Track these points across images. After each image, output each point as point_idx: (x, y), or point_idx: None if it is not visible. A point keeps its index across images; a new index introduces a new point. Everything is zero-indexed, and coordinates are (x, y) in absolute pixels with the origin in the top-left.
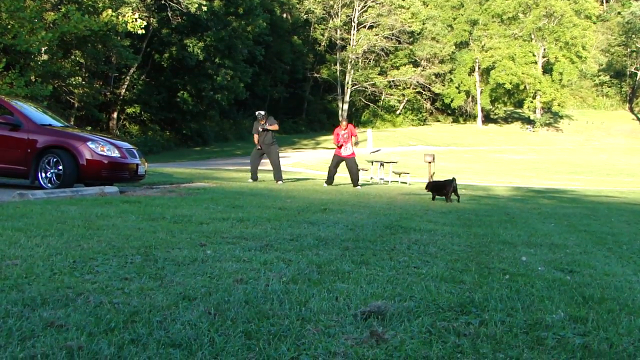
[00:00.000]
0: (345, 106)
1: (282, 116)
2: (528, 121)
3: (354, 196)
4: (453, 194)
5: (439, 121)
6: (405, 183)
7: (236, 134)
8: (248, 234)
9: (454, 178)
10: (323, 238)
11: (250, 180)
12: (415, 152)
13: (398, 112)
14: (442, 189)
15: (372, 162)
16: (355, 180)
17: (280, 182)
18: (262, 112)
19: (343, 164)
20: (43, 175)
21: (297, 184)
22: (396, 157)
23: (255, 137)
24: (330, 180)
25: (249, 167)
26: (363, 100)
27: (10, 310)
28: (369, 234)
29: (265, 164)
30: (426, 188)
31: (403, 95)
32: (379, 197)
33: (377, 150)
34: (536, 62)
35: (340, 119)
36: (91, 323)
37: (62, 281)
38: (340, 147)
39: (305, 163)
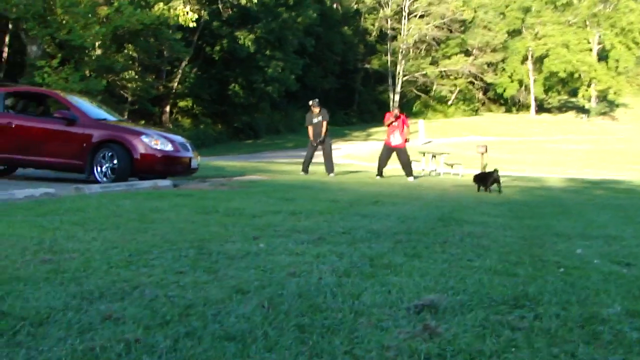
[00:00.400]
0: (397, 97)
1: (333, 107)
2: (583, 110)
3: (405, 188)
4: (496, 184)
5: (491, 111)
6: (458, 175)
7: (287, 126)
8: (300, 227)
9: (495, 169)
10: (375, 231)
11: (302, 173)
12: (467, 143)
13: (450, 102)
14: (485, 180)
15: (424, 153)
16: (408, 171)
17: (331, 175)
18: (316, 100)
19: (394, 156)
20: (98, 169)
21: (348, 176)
22: (448, 149)
23: (310, 130)
24: (379, 170)
25: (302, 160)
26: (414, 90)
27: (69, 303)
28: (421, 226)
29: (316, 156)
30: (473, 180)
31: (455, 85)
32: (431, 189)
33: (429, 142)
34: (591, 50)
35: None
36: (147, 316)
37: (118, 274)
38: (389, 125)
39: (356, 155)
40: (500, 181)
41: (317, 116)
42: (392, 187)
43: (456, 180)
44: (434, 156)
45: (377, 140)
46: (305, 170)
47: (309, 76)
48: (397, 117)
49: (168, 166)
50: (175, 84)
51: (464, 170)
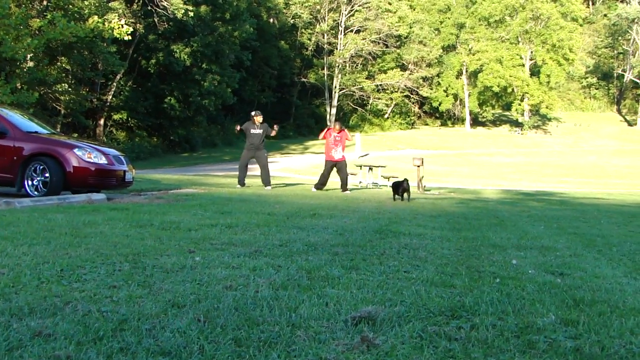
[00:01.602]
0: (333, 110)
1: (270, 121)
2: (516, 124)
3: (342, 201)
4: (405, 193)
5: (427, 125)
6: None
7: (224, 139)
8: (237, 240)
9: (405, 179)
10: (312, 243)
11: (238, 186)
12: (403, 156)
13: (386, 115)
14: (396, 188)
15: (360, 166)
16: (344, 184)
17: (268, 188)
18: (259, 112)
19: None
20: (30, 183)
21: (285, 189)
22: (385, 161)
23: (238, 127)
24: (322, 185)
25: (237, 173)
26: (351, 104)
27: None
28: (358, 238)
29: (253, 169)
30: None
31: (391, 99)
32: (368, 201)
33: (365, 155)
34: (523, 65)
35: (330, 124)
36: (79, 332)
37: (49, 290)
38: (329, 139)
39: (293, 168)
40: (410, 190)
41: (258, 127)
42: (329, 199)
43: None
44: (370, 169)
45: (314, 153)
46: (242, 183)
47: (246, 90)
48: (338, 132)
49: (102, 179)
50: (110, 97)
51: None
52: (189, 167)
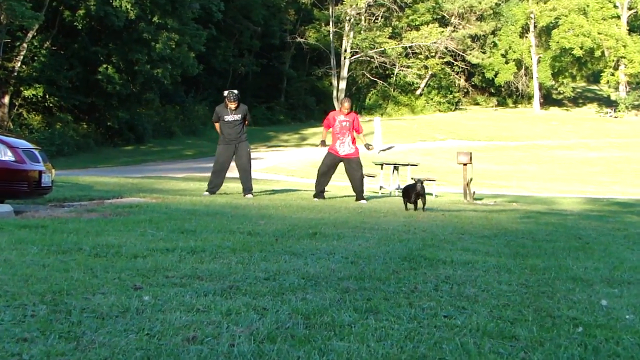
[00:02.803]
0: (342, 84)
1: (252, 100)
2: (607, 102)
3: (356, 214)
4: (420, 200)
5: (477, 104)
6: (431, 195)
7: (185, 126)
8: (204, 271)
9: (419, 180)
10: (312, 276)
11: (207, 193)
12: (443, 149)
13: (419, 91)
14: (407, 194)
15: (381, 165)
16: (359, 191)
17: (249, 196)
18: (235, 92)
19: (341, 168)
20: None
21: (274, 197)
22: (417, 158)
23: (218, 128)
24: (321, 192)
25: (209, 174)
26: (368, 75)
27: None
28: (378, 269)
29: (234, 170)
30: (403, 195)
31: (426, 67)
32: (393, 215)
33: (388, 148)
34: (619, 17)
35: (338, 102)
36: None
37: None
38: (325, 143)
39: (285, 167)
40: (425, 196)
41: (234, 113)
42: (337, 212)
43: (429, 202)
44: (396, 169)
45: (314, 145)
46: (213, 189)
47: (217, 55)
48: (347, 114)
49: (6, 184)
50: (18, 64)
51: (439, 189)
52: (134, 165)
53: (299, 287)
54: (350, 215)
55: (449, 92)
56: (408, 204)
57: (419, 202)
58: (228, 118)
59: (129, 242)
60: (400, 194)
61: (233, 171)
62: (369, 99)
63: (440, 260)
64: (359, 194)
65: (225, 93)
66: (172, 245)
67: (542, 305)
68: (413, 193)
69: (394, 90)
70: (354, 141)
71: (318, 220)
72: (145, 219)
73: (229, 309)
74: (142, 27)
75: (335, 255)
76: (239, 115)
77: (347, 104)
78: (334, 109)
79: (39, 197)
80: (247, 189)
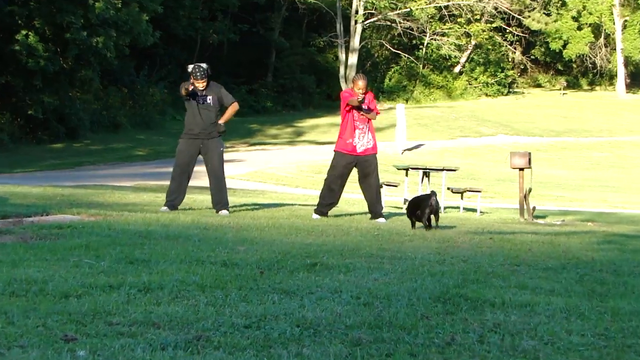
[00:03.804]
0: (353, 58)
1: (227, 80)
2: None
3: (371, 238)
4: (433, 216)
5: (539, 85)
6: (475, 211)
7: (135, 116)
8: (161, 317)
9: (432, 192)
10: (310, 323)
11: (165, 208)
12: (491, 148)
13: (458, 69)
14: (417, 208)
15: (406, 170)
16: (374, 203)
17: (224, 212)
18: (203, 66)
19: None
20: None
21: (258, 214)
22: (454, 160)
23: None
24: (328, 205)
25: (165, 184)
26: (388, 46)
27: None
28: (401, 313)
29: (198, 175)
30: (407, 211)
31: (468, 35)
32: (422, 238)
33: (416, 147)
34: None
35: (347, 83)
36: None
37: None
38: (356, 107)
39: (273, 173)
40: (439, 212)
41: (205, 93)
42: (344, 235)
43: (471, 220)
44: (426, 175)
45: (315, 143)
46: (173, 201)
47: (180, 18)
48: (366, 93)
49: None
50: None
51: (486, 203)
52: (65, 170)
53: (293, 338)
54: (363, 239)
55: (500, 70)
56: (415, 220)
57: (432, 219)
58: (200, 102)
59: (57, 276)
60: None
61: (202, 178)
62: (390, 79)
63: (487, 301)
64: (376, 210)
65: (190, 68)
66: (118, 281)
67: None
68: (427, 209)
69: (423, 67)
70: (374, 137)
71: (319, 245)
72: (81, 244)
73: None
74: None
75: (343, 294)
76: (211, 97)
77: (361, 82)
78: (345, 89)
79: None
80: (221, 202)
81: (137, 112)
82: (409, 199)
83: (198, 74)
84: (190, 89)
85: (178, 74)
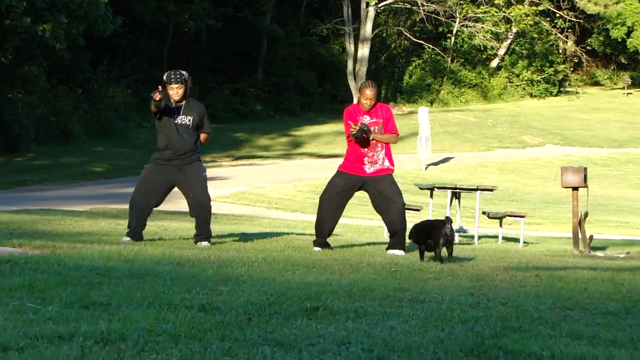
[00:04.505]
0: (364, 50)
1: (207, 78)
2: None
3: (387, 274)
4: (445, 246)
5: (597, 84)
6: (517, 241)
7: (91, 123)
8: None
9: (447, 218)
10: None
11: (128, 239)
12: (538, 162)
13: (495, 63)
14: (427, 235)
15: (431, 189)
16: (397, 230)
17: (204, 244)
18: (184, 74)
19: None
20: None
21: (246, 246)
22: (491, 177)
23: (157, 94)
24: (323, 233)
25: (129, 205)
26: (408, 34)
27: None
28: None
29: (171, 197)
30: (410, 237)
31: (508, 21)
32: (450, 275)
33: (442, 161)
34: None
35: (356, 80)
36: None
37: None
38: (360, 142)
39: (264, 194)
40: (454, 241)
41: (183, 112)
42: (353, 272)
43: (511, 252)
44: (456, 196)
45: (316, 156)
46: (136, 230)
47: (149, 2)
48: (372, 109)
49: None
50: None
51: (530, 231)
52: (3, 191)
53: None
54: (376, 276)
55: (548, 64)
56: (424, 249)
57: (445, 249)
58: (177, 121)
59: None
60: (465, 238)
61: (176, 202)
62: (410, 76)
63: (533, 354)
64: (398, 238)
65: (166, 75)
66: (69, 330)
67: None
68: (441, 238)
69: (452, 61)
70: (389, 154)
71: (322, 285)
72: (23, 283)
73: None
74: None
75: (351, 346)
76: (191, 118)
77: (369, 91)
78: (350, 98)
79: None
80: (203, 234)
81: (93, 117)
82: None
83: (172, 77)
84: (161, 103)
85: (145, 70)
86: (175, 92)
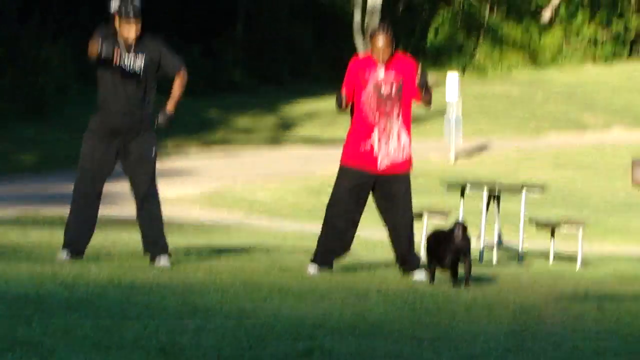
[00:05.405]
0: (375, 1)
1: (169, 32)
2: None
3: (403, 305)
4: (461, 261)
5: None
6: (574, 260)
7: (18, 96)
8: None
9: (458, 222)
10: None
11: (66, 255)
12: (602, 151)
13: (547, 17)
14: (440, 250)
15: (462, 188)
16: (405, 247)
17: (163, 262)
18: (136, 2)
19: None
20: None
21: (219, 265)
22: (541, 172)
23: (96, 45)
24: (332, 253)
25: (64, 213)
26: None
27: None
28: None
29: (120, 198)
30: (427, 251)
31: None
32: (486, 308)
33: (477, 150)
34: None
35: (365, 37)
36: None
37: None
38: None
39: (242, 194)
40: (469, 253)
41: (134, 52)
42: (359, 301)
43: (568, 278)
44: (495, 198)
45: (312, 142)
46: (75, 242)
47: None
48: (389, 62)
49: None
50: None
51: (593, 246)
52: None
53: None
54: (389, 308)
55: (618, 17)
56: (434, 266)
57: (459, 265)
58: (121, 62)
59: None
60: (505, 254)
61: (126, 203)
62: (436, 34)
63: None
64: (408, 259)
65: (115, 4)
66: None
67: None
68: (448, 249)
69: (492, 13)
70: (408, 128)
71: (318, 319)
72: None
73: None
74: None
75: None
76: (142, 60)
77: (381, 42)
78: (356, 55)
79: None
80: (157, 244)
81: (21, 88)
82: (473, 236)
83: (130, 9)
84: (104, 49)
85: (89, 25)
86: (133, 30)
